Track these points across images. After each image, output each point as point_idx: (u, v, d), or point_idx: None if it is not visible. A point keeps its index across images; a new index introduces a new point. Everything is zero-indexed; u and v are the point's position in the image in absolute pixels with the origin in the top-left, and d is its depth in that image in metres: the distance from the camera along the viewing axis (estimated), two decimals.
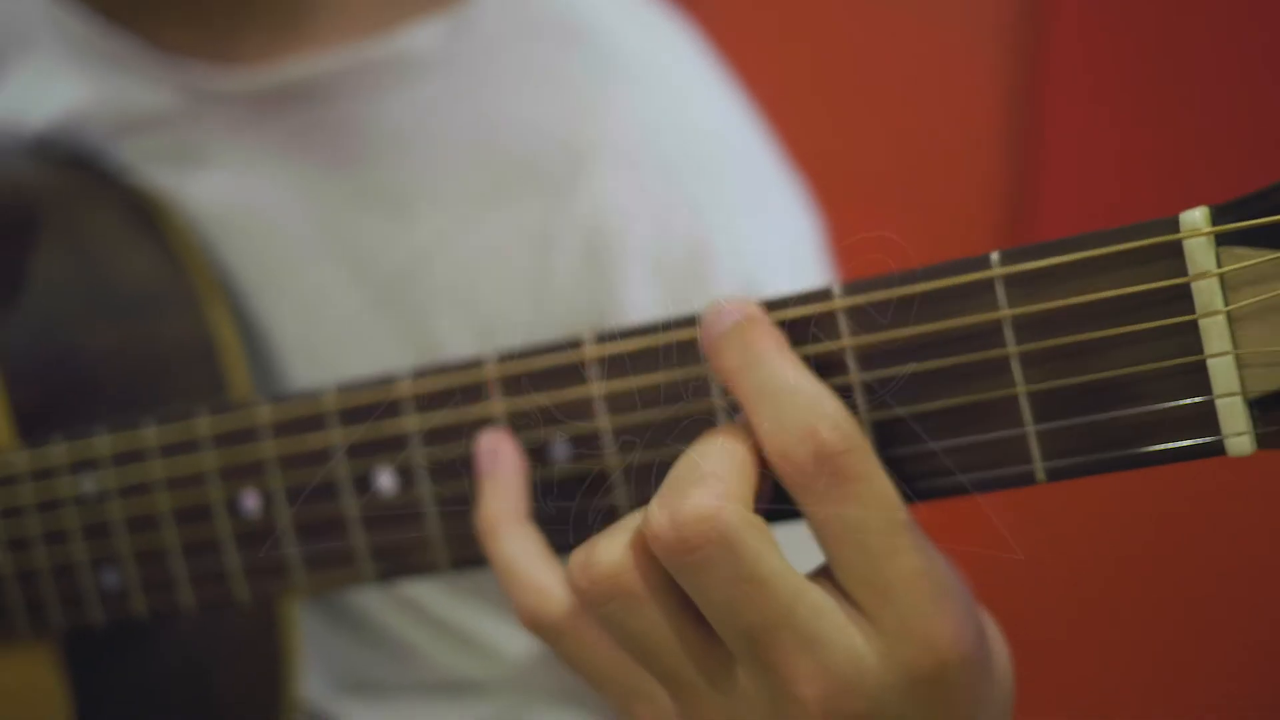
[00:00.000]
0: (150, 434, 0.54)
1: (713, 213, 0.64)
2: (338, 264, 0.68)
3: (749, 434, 0.39)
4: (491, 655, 0.72)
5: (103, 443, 0.55)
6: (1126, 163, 1.28)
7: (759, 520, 0.38)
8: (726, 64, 0.73)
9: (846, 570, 0.39)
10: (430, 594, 0.71)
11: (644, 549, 0.40)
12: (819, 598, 0.39)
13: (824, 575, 0.40)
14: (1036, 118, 1.33)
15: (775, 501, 0.40)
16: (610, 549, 0.41)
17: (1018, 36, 1.32)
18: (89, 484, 0.56)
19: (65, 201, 0.67)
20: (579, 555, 0.41)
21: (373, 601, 0.72)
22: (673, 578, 0.39)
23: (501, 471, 0.46)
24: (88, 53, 0.69)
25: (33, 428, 0.60)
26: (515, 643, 0.71)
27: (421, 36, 0.65)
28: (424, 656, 0.72)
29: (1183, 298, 0.36)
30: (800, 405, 0.38)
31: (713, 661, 0.40)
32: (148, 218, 0.67)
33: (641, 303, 0.64)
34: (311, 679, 0.73)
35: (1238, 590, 1.18)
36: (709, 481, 0.38)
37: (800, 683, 0.38)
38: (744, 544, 0.38)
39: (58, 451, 0.57)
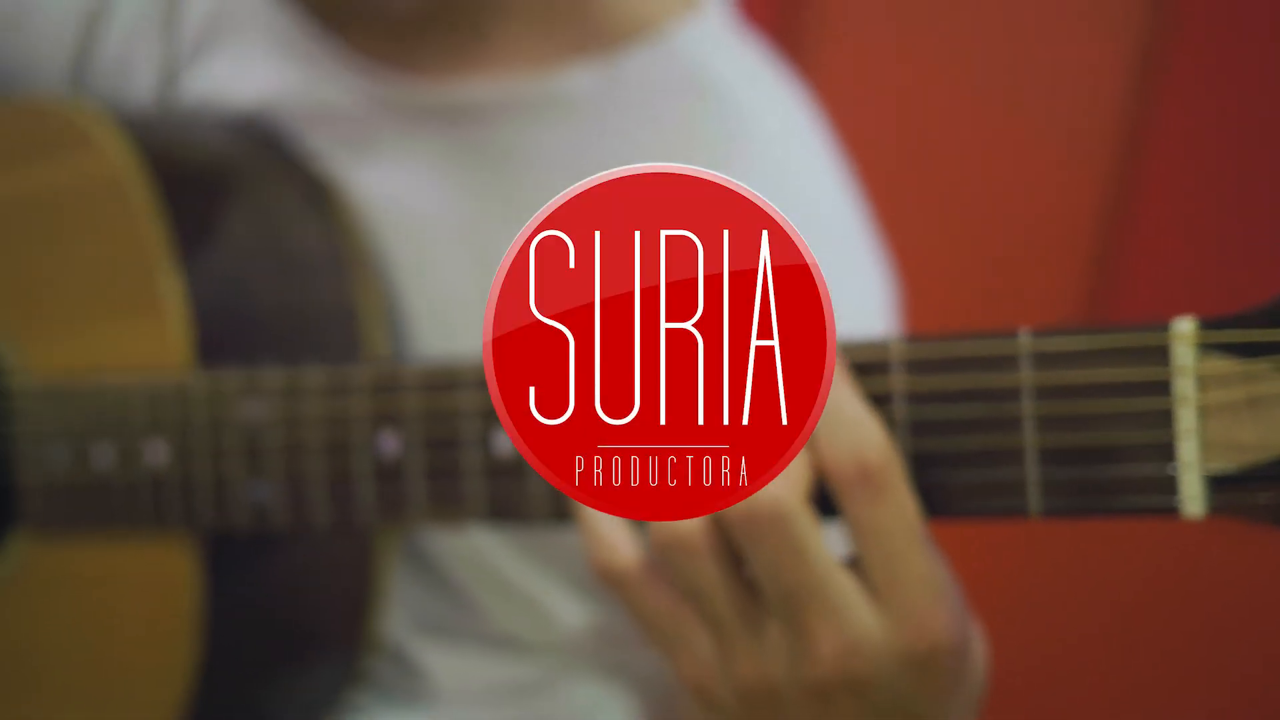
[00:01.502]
0: (313, 375, 0.65)
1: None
2: (470, 262, 0.78)
3: (812, 444, 0.50)
4: (546, 621, 0.82)
5: (272, 377, 0.66)
6: (1215, 250, 1.38)
7: (810, 509, 0.49)
8: (828, 117, 0.84)
9: (870, 563, 0.49)
10: (503, 556, 0.81)
11: (715, 517, 0.50)
12: (845, 578, 0.49)
13: (851, 564, 0.50)
14: (1132, 194, 1.42)
15: (823, 500, 0.50)
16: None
17: (1119, 110, 1.42)
18: (254, 411, 0.67)
19: (257, 172, 0.78)
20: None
21: (451, 556, 0.82)
22: (730, 542, 0.50)
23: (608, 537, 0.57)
24: (291, 48, 0.81)
25: (208, 355, 0.71)
26: (569, 613, 0.81)
27: (576, 80, 0.76)
28: (487, 611, 0.82)
29: (1165, 388, 0.46)
30: (854, 428, 0.49)
31: (753, 613, 0.51)
32: (322, 197, 0.78)
33: None
34: (391, 617, 0.83)
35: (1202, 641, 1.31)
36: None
37: (821, 642, 0.49)
38: (797, 523, 0.48)
39: (232, 378, 0.68)
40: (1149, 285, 1.42)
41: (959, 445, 0.50)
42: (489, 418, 0.60)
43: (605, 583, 0.55)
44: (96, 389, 0.72)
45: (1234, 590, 1.28)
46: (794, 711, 0.50)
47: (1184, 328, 0.46)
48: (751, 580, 0.51)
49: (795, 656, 0.50)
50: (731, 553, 0.51)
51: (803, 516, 0.49)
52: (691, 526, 0.51)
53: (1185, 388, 0.46)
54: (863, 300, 0.77)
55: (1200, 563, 1.29)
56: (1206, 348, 0.46)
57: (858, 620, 0.49)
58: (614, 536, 0.55)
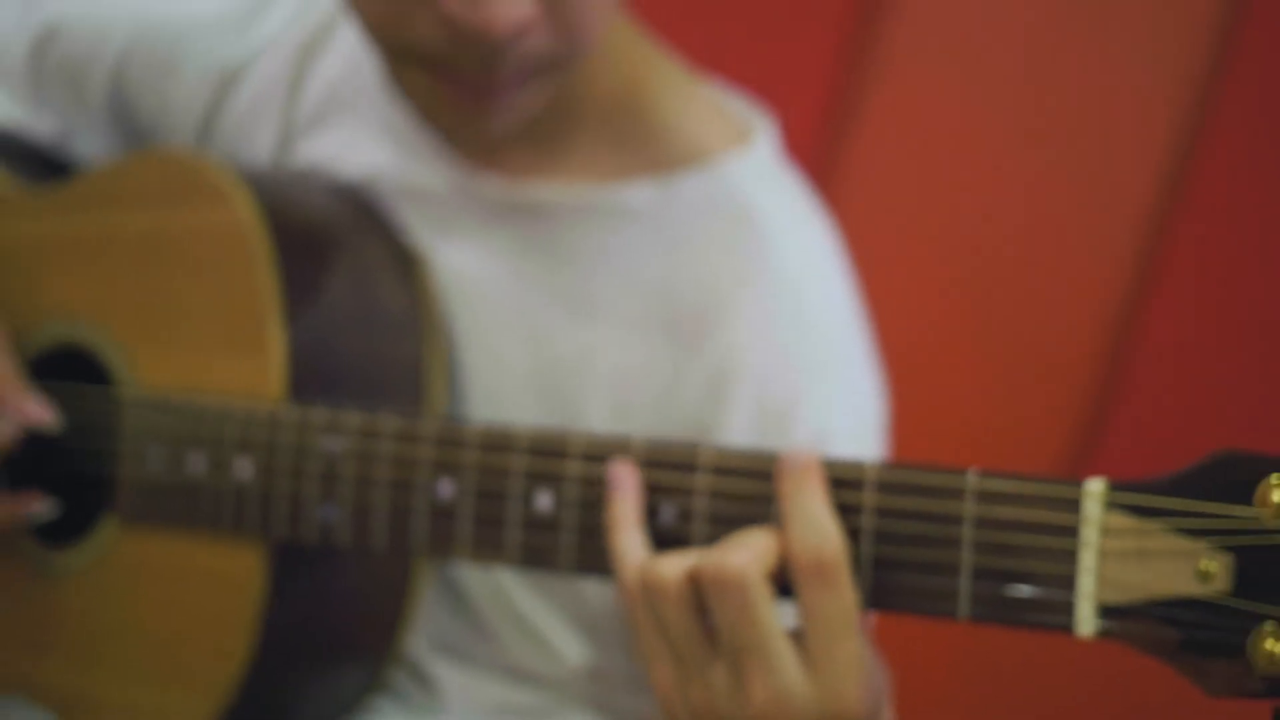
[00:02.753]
0: (388, 422, 0.78)
1: (811, 380, 0.87)
2: (523, 342, 0.91)
3: (781, 534, 0.63)
4: (552, 656, 0.94)
5: (352, 418, 0.79)
6: (1212, 397, 1.51)
7: (768, 584, 0.62)
8: (848, 242, 0.96)
9: (810, 637, 0.63)
10: (522, 595, 0.93)
11: (692, 572, 0.64)
12: (785, 645, 0.63)
13: (794, 633, 0.63)
14: (1138, 334, 1.54)
15: (783, 581, 0.64)
16: (671, 564, 0.66)
17: (1130, 243, 1.55)
18: (333, 443, 0.79)
19: (357, 237, 0.91)
20: (648, 561, 0.66)
21: (476, 587, 0.94)
22: (699, 594, 0.63)
23: (628, 488, 0.70)
24: (395, 133, 0.93)
25: (297, 392, 0.83)
26: (572, 652, 0.93)
27: (635, 193, 0.89)
28: (500, 640, 0.94)
29: (1074, 532, 0.58)
30: (818, 529, 0.62)
31: (705, 654, 0.65)
32: (409, 267, 0.91)
33: (737, 429, 0.86)
34: (414, 634, 0.95)
35: None
36: (749, 549, 0.62)
37: (756, 690, 0.63)
38: (754, 592, 0.62)
39: (318, 414, 0.80)
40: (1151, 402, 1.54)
41: (911, 555, 0.62)
42: (533, 478, 0.72)
43: (622, 596, 0.68)
44: (198, 406, 0.85)
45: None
46: None
47: (1095, 487, 0.58)
48: (711, 628, 0.65)
49: (734, 696, 0.64)
50: (698, 602, 0.64)
51: (760, 587, 0.63)
52: (671, 574, 0.64)
53: (1090, 535, 0.58)
54: (857, 422, 0.89)
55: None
56: (1112, 505, 0.58)
57: (789, 680, 0.63)
58: (629, 568, 0.68)
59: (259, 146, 0.98)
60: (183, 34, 0.99)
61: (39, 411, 0.89)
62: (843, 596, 0.62)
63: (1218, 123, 1.62)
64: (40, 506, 0.90)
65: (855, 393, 0.90)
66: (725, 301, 0.87)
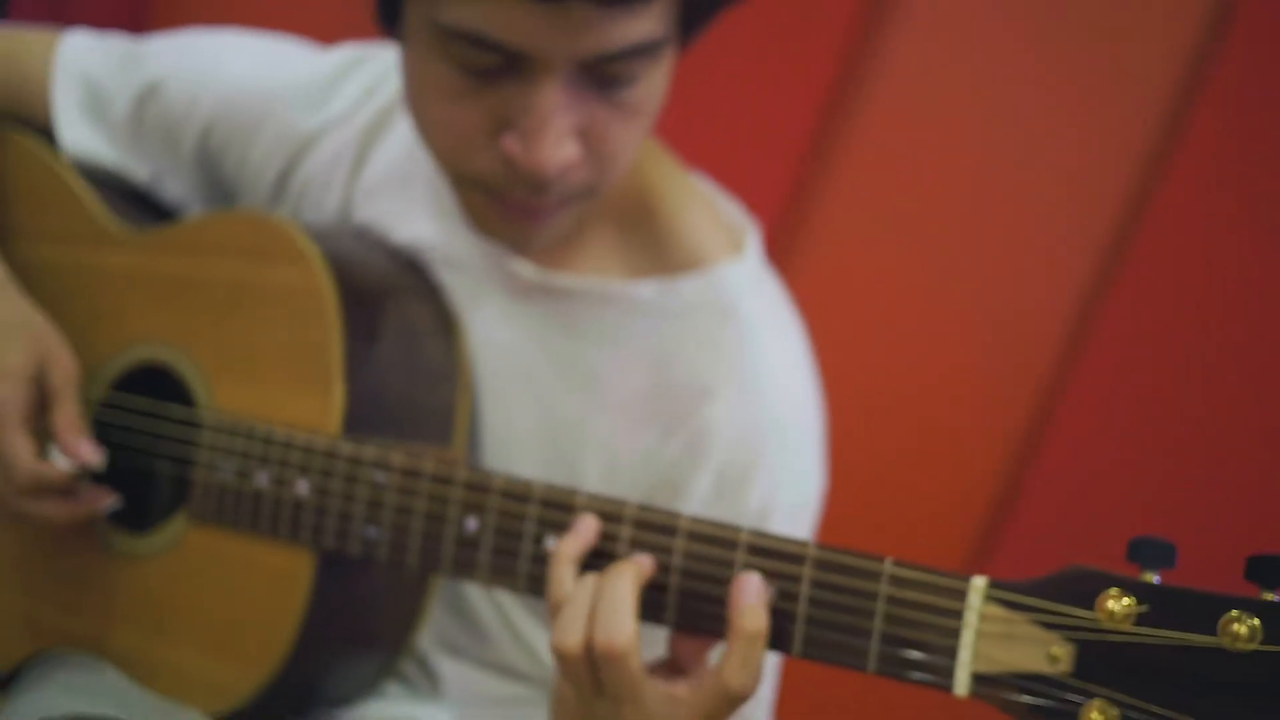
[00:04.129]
0: (428, 464, 0.95)
1: (767, 460, 1.04)
2: (534, 401, 1.07)
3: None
4: (538, 660, 1.11)
5: (397, 458, 0.97)
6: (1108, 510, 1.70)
7: (641, 662, 0.83)
8: (814, 339, 1.13)
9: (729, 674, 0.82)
10: (518, 608, 1.11)
11: (587, 643, 0.84)
12: (653, 688, 0.83)
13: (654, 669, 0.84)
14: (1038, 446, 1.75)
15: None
16: (573, 634, 0.84)
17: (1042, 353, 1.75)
18: (380, 476, 0.97)
19: (407, 295, 1.08)
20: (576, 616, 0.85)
21: (476, 598, 1.11)
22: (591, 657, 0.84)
23: (581, 534, 0.88)
24: (442, 209, 1.10)
25: (350, 427, 1.01)
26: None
27: (642, 289, 1.06)
28: (494, 641, 1.12)
29: (959, 615, 0.76)
30: (761, 631, 0.82)
31: (592, 689, 0.84)
32: (448, 325, 1.08)
33: (701, 491, 1.04)
34: (423, 634, 1.12)
35: None
36: (629, 628, 0.83)
37: (595, 695, 0.84)
38: (631, 662, 0.82)
39: (368, 450, 0.98)
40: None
41: (835, 619, 0.80)
42: (543, 524, 0.90)
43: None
44: (267, 432, 1.02)
45: None
46: None
47: (979, 583, 0.76)
48: (598, 680, 0.84)
49: (611, 714, 0.84)
50: (592, 661, 0.84)
51: (636, 656, 0.83)
52: (575, 646, 0.83)
53: (970, 619, 0.76)
54: (798, 500, 1.06)
55: None
56: (990, 598, 0.76)
57: (657, 713, 0.83)
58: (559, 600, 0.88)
59: (325, 208, 1.15)
60: (266, 103, 1.16)
61: (90, 453, 1.05)
62: (758, 661, 0.82)
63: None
64: (109, 502, 1.07)
65: (801, 476, 1.08)
66: (708, 388, 1.04)
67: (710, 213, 1.11)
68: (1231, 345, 1.76)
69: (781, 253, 1.76)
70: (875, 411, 1.72)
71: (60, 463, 1.04)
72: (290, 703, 1.06)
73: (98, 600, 1.10)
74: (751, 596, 0.82)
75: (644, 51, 0.92)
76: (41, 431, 1.05)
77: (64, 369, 1.06)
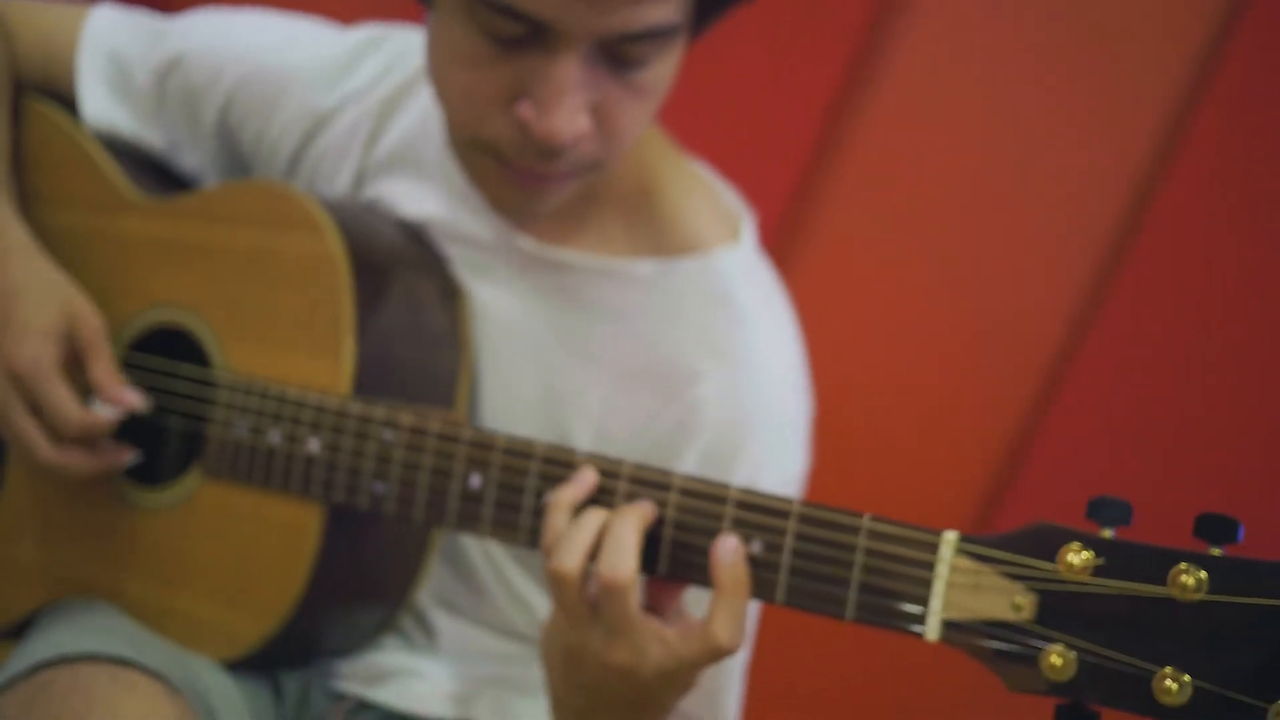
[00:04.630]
0: (434, 424, 1.01)
1: (752, 442, 1.10)
2: (533, 369, 1.13)
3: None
4: (533, 618, 1.17)
5: (405, 417, 1.02)
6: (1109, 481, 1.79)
7: (639, 599, 0.89)
8: (804, 322, 1.19)
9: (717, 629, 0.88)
10: (514, 567, 1.17)
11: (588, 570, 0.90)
12: (647, 624, 0.89)
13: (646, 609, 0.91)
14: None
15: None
16: (575, 556, 0.91)
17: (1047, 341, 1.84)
18: (388, 434, 1.03)
19: (414, 266, 1.13)
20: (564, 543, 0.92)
21: (474, 555, 1.17)
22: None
23: (580, 483, 0.94)
24: (451, 186, 1.16)
25: (360, 389, 1.06)
26: (549, 613, 1.17)
27: (640, 267, 1.12)
28: (493, 601, 1.17)
29: (931, 566, 0.82)
30: (742, 586, 0.87)
31: (587, 616, 0.90)
32: (452, 294, 1.14)
33: (685, 467, 1.09)
34: (422, 590, 1.18)
35: None
36: (631, 563, 0.89)
37: (614, 652, 0.89)
38: (630, 597, 0.88)
39: (377, 410, 1.03)
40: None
41: (816, 569, 0.86)
42: (544, 479, 0.96)
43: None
44: (280, 392, 1.08)
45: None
46: (593, 670, 0.91)
47: (950, 537, 0.82)
48: (594, 604, 0.91)
49: (600, 654, 0.90)
50: (588, 589, 0.90)
51: (634, 591, 0.89)
52: (573, 569, 0.89)
53: (942, 570, 0.82)
54: (780, 482, 1.11)
55: None
56: (960, 551, 0.82)
57: (645, 651, 0.89)
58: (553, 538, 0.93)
59: (338, 183, 1.21)
60: (284, 79, 1.22)
61: (135, 399, 1.11)
62: (742, 604, 0.89)
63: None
64: (129, 457, 1.13)
65: (784, 458, 1.13)
66: (700, 367, 1.10)
67: (709, 199, 1.16)
68: (1230, 343, 1.85)
69: (788, 242, 1.84)
70: (882, 392, 1.81)
71: (104, 411, 1.09)
72: (295, 652, 1.12)
73: (112, 551, 1.15)
74: (730, 555, 0.88)
75: (660, 35, 0.98)
76: (77, 384, 1.11)
77: (91, 325, 1.11)
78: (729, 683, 1.12)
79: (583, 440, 1.11)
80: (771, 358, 1.13)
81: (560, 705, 0.95)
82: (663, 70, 1.01)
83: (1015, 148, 1.90)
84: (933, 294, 1.92)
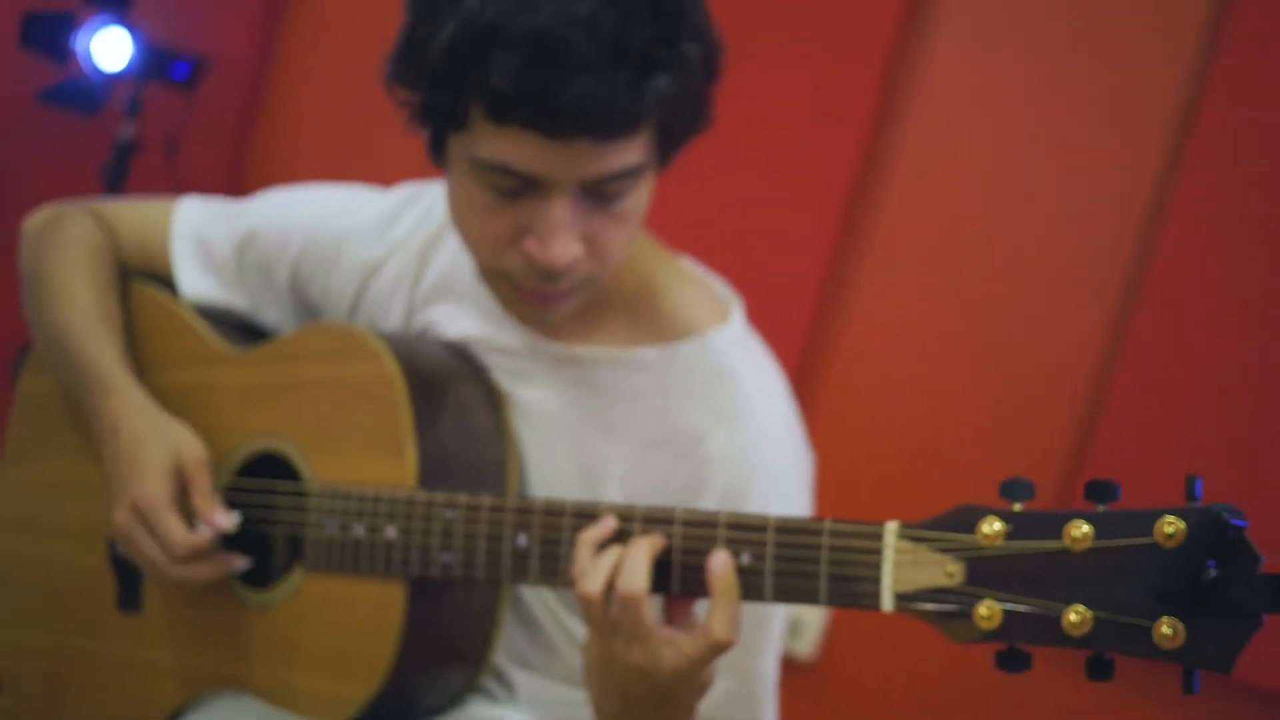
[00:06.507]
0: (485, 501, 1.23)
1: (758, 487, 1.30)
2: (567, 448, 1.35)
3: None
4: None
5: (461, 498, 1.24)
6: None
7: (650, 611, 1.09)
8: (790, 380, 1.40)
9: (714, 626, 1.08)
10: (573, 619, 1.37)
11: (607, 589, 1.11)
12: (658, 631, 1.09)
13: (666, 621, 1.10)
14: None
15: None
16: (597, 581, 1.11)
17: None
18: (449, 513, 1.24)
19: (461, 379, 1.36)
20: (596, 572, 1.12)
21: (540, 614, 1.37)
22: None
23: (602, 527, 1.14)
24: (485, 309, 1.38)
25: (424, 482, 1.28)
26: None
27: (647, 354, 1.34)
28: (559, 653, 1.38)
29: (879, 552, 1.02)
30: (733, 591, 1.08)
31: (610, 629, 1.10)
32: (494, 397, 1.36)
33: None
34: (498, 651, 1.38)
35: None
36: (643, 578, 1.09)
37: (632, 656, 1.09)
38: (643, 608, 1.08)
39: (438, 495, 1.25)
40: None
41: (793, 568, 1.06)
42: (576, 531, 1.17)
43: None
44: (360, 492, 1.30)
45: None
46: (619, 674, 1.11)
47: (891, 526, 1.02)
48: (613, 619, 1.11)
49: (621, 654, 1.10)
50: (610, 608, 1.10)
51: (647, 604, 1.09)
52: (596, 590, 1.10)
53: (888, 553, 1.02)
54: (790, 508, 1.30)
55: None
56: (901, 536, 1.02)
57: (658, 655, 1.10)
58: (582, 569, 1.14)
59: (392, 317, 1.44)
60: (340, 239, 1.47)
61: (225, 520, 1.34)
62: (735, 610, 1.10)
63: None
64: (241, 563, 1.35)
65: (787, 498, 1.33)
66: (705, 429, 1.31)
67: (699, 289, 1.38)
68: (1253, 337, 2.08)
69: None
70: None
71: (204, 531, 1.32)
72: (396, 711, 1.33)
73: (236, 646, 1.37)
74: (722, 566, 1.09)
75: (632, 174, 1.21)
76: (186, 511, 1.34)
77: (196, 460, 1.35)
78: (764, 690, 1.31)
79: (614, 500, 1.32)
80: (766, 415, 1.34)
81: (598, 709, 1.16)
82: (638, 198, 1.24)
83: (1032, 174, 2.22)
84: (971, 321, 2.23)
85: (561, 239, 1.21)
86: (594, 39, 1.13)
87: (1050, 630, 0.97)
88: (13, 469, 1.61)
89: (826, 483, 1.38)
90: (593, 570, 1.11)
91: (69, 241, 1.51)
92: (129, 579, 1.45)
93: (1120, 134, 2.34)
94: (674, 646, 1.09)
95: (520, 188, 1.20)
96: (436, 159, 1.28)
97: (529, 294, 1.26)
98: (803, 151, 2.50)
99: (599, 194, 1.21)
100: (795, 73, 2.47)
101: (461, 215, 1.27)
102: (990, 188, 2.42)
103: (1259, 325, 2.18)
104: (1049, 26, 2.43)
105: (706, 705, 1.19)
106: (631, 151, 1.19)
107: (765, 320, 1.44)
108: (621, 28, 1.14)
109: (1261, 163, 2.19)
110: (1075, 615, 0.96)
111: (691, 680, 1.11)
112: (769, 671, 1.31)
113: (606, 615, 1.11)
